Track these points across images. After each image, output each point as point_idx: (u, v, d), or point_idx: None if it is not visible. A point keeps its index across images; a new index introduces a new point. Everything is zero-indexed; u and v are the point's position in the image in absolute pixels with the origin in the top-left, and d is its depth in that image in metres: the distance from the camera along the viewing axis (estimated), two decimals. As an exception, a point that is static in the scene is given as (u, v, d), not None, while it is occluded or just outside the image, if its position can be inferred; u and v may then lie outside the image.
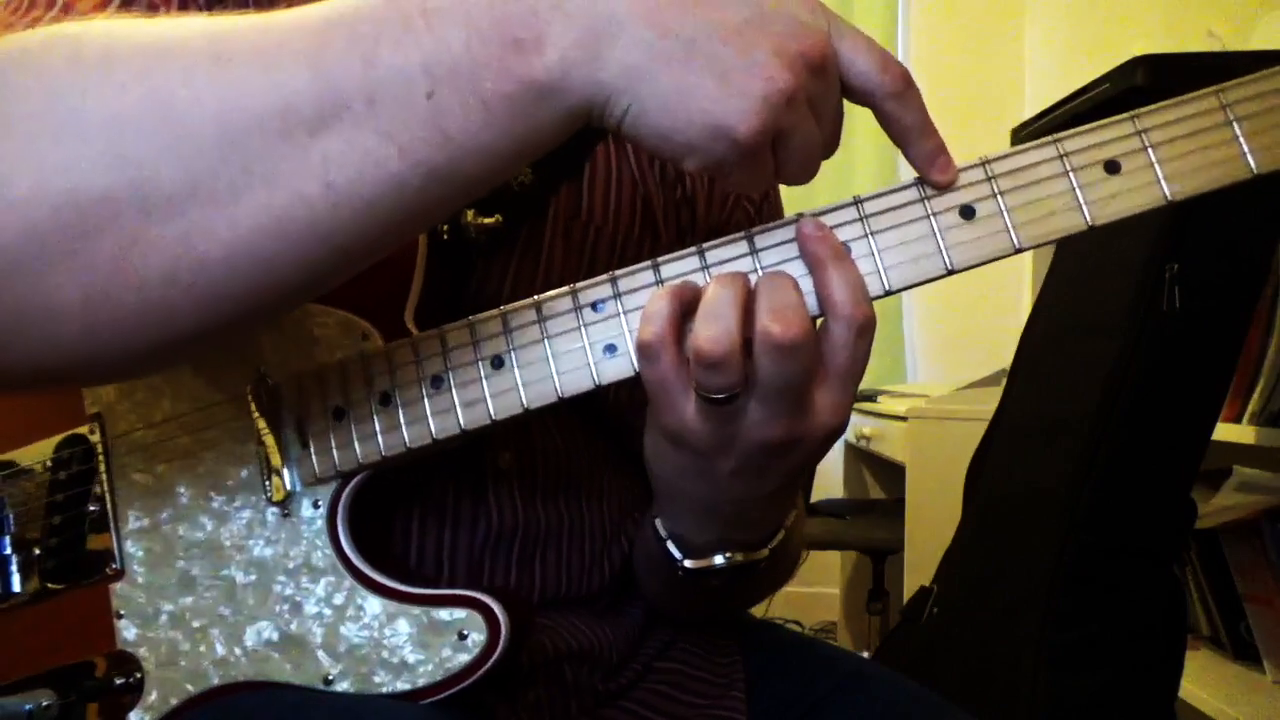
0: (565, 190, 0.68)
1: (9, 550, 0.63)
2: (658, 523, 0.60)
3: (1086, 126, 0.49)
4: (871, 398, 2.65)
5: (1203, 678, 1.44)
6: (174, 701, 0.57)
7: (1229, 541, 1.52)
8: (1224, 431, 1.40)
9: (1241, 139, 0.48)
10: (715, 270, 0.51)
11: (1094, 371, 1.19)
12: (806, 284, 0.50)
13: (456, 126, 0.41)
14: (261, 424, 0.57)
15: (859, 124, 3.18)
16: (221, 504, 0.58)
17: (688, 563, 0.59)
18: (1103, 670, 1.16)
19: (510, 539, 0.63)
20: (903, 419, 2.15)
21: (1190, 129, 0.49)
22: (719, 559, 0.58)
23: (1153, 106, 0.49)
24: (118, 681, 0.58)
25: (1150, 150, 0.49)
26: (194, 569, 0.58)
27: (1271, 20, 1.77)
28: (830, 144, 0.48)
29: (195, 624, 0.58)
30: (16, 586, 0.62)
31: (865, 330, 0.49)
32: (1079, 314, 1.32)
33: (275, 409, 0.57)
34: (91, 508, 0.61)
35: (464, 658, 0.53)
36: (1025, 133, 1.72)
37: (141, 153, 0.40)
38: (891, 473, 2.68)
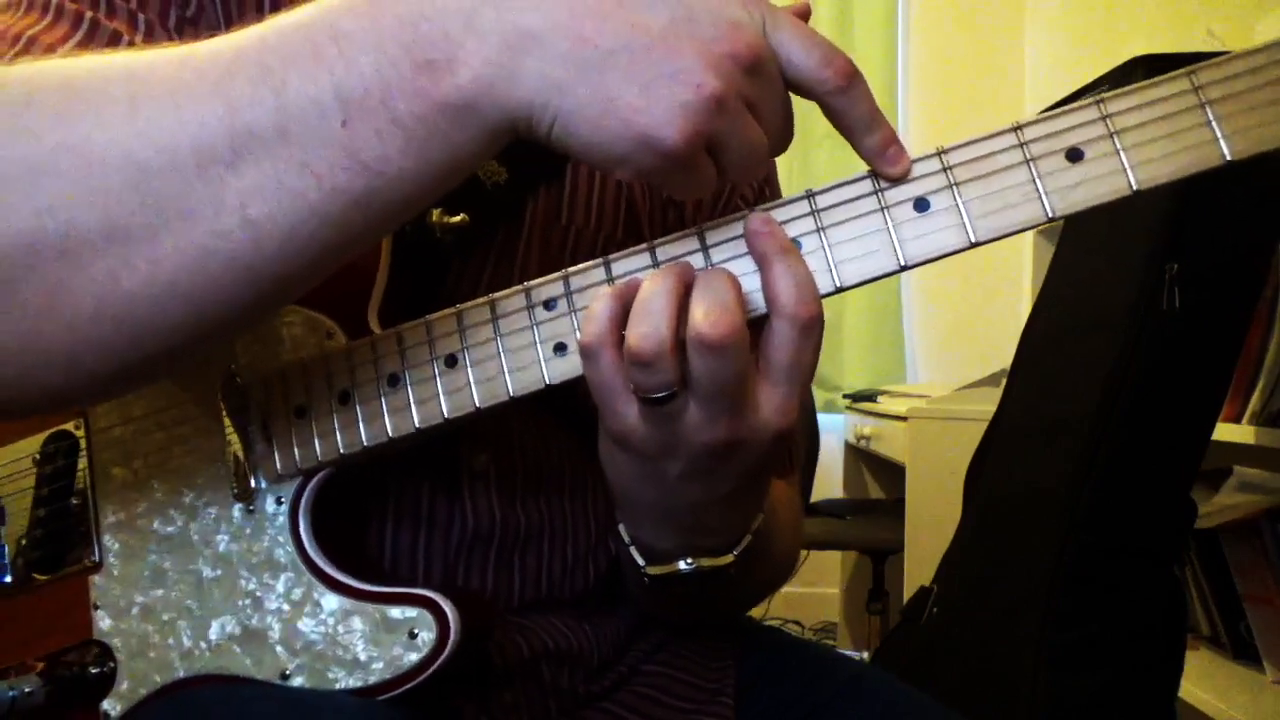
0: (546, 193, 0.67)
1: (3, 542, 0.64)
2: (620, 529, 0.59)
3: (1049, 113, 0.47)
4: (871, 398, 2.66)
5: (1203, 678, 1.44)
6: (143, 692, 0.59)
7: (1229, 541, 1.52)
8: (1224, 431, 1.40)
9: (1215, 123, 0.45)
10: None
11: (1094, 371, 1.19)
12: (756, 280, 0.48)
13: (373, 153, 0.41)
14: (228, 422, 0.58)
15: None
16: (191, 499, 0.60)
17: (651, 569, 0.58)
18: (1103, 670, 1.16)
19: (487, 541, 0.63)
20: (903, 419, 2.15)
21: (1159, 113, 0.46)
22: (682, 565, 0.57)
23: (1120, 90, 0.46)
24: (93, 671, 0.60)
25: (1116, 137, 0.46)
26: (165, 563, 0.60)
27: (1271, 20, 1.77)
28: (779, 143, 0.46)
29: (164, 616, 0.59)
30: (5, 576, 0.64)
31: (810, 329, 0.47)
32: (1079, 314, 1.32)
33: (243, 407, 0.58)
34: (74, 501, 0.62)
35: (414, 656, 0.53)
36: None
37: (60, 199, 0.41)
38: (891, 473, 2.68)
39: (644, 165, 0.43)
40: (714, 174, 0.45)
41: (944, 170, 0.48)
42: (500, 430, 0.64)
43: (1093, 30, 2.61)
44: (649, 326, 0.45)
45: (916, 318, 3.22)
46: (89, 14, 0.58)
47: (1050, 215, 0.47)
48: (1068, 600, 1.18)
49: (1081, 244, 1.37)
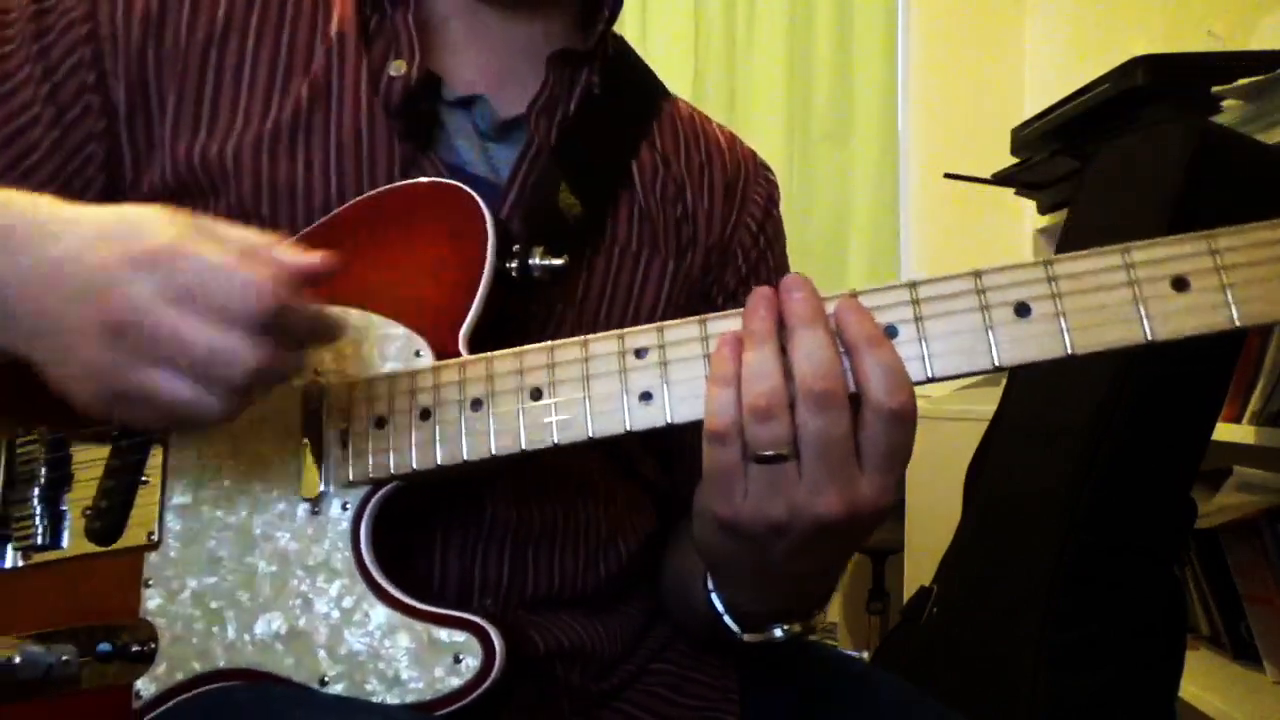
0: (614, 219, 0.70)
1: (65, 506, 0.65)
2: (714, 598, 0.61)
3: (1157, 240, 0.48)
4: (871, 398, 2.65)
5: (1203, 678, 1.44)
6: (179, 676, 0.59)
7: (1229, 541, 1.52)
8: (1224, 431, 1.40)
9: None
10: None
11: (1094, 371, 1.19)
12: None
13: None
14: (305, 421, 0.59)
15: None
16: (259, 492, 0.60)
17: (748, 637, 0.60)
18: (1103, 670, 1.16)
19: (503, 535, 0.64)
20: (903, 419, 2.15)
21: (1269, 255, 0.47)
22: (778, 633, 0.59)
23: (1230, 229, 0.48)
24: (134, 648, 0.60)
25: (1222, 271, 0.47)
26: (222, 551, 0.60)
27: (1271, 20, 1.77)
28: (198, 375, 0.47)
29: (213, 605, 0.59)
30: (64, 542, 0.64)
31: (899, 419, 0.48)
32: (1079, 314, 1.32)
33: (325, 410, 0.59)
34: (144, 477, 0.63)
35: (455, 681, 0.54)
36: (1025, 132, 1.72)
37: None
38: (891, 473, 2.67)
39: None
40: (163, 402, 0.48)
41: (1048, 280, 0.49)
42: None
43: (1093, 30, 2.61)
44: (767, 385, 0.48)
45: (916, 318, 3.21)
46: None
47: (1149, 339, 0.48)
48: (1068, 600, 1.18)
49: (1082, 243, 1.37)
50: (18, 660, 0.56)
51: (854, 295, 0.51)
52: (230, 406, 0.48)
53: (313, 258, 0.49)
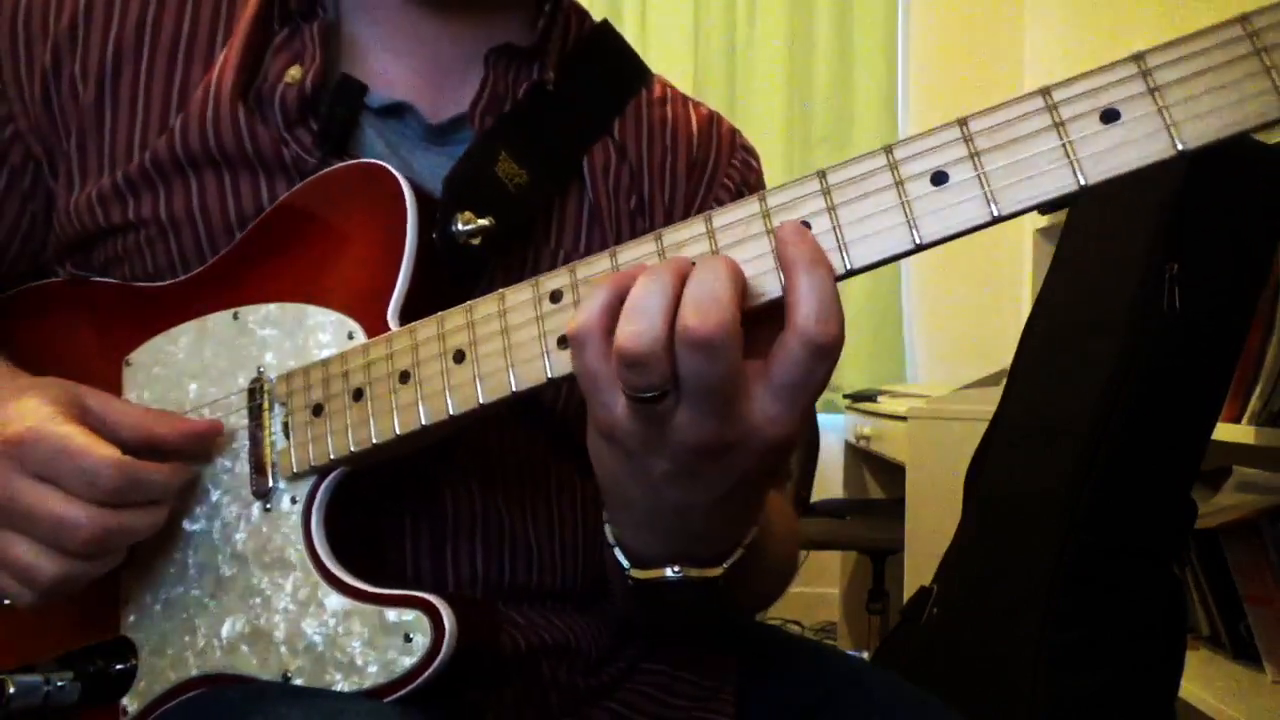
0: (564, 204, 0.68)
1: None
2: (606, 529, 0.58)
3: (1081, 74, 0.43)
4: (871, 398, 2.66)
5: (1203, 678, 1.44)
6: (158, 689, 0.59)
7: (1229, 541, 1.52)
8: (1224, 431, 1.40)
9: (1273, 71, 0.40)
10: (673, 256, 0.48)
11: (1094, 371, 1.19)
12: (762, 264, 0.46)
13: None
14: (251, 420, 0.59)
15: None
16: (217, 497, 0.60)
17: (635, 572, 0.56)
18: (1103, 670, 1.16)
19: (471, 526, 0.64)
20: (903, 419, 2.15)
21: (1206, 64, 0.41)
22: (669, 572, 0.55)
23: (1158, 45, 0.42)
24: (117, 666, 0.60)
25: (1156, 94, 0.42)
26: (188, 560, 0.60)
27: (1271, 20, 1.77)
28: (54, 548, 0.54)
29: (184, 614, 0.59)
30: None
31: (826, 352, 0.45)
32: (1079, 314, 1.32)
33: (266, 405, 0.59)
34: None
35: (407, 660, 0.53)
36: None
37: None
38: (891, 473, 2.68)
39: None
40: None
41: (964, 140, 0.44)
42: (478, 425, 0.65)
43: (1092, 27, 2.61)
44: (640, 325, 0.44)
45: (916, 318, 3.22)
46: None
47: (1083, 183, 0.43)
48: (1068, 600, 1.18)
49: (1082, 244, 1.37)
50: (11, 690, 0.56)
51: (763, 196, 0.47)
52: (75, 569, 0.54)
53: (190, 427, 0.59)
